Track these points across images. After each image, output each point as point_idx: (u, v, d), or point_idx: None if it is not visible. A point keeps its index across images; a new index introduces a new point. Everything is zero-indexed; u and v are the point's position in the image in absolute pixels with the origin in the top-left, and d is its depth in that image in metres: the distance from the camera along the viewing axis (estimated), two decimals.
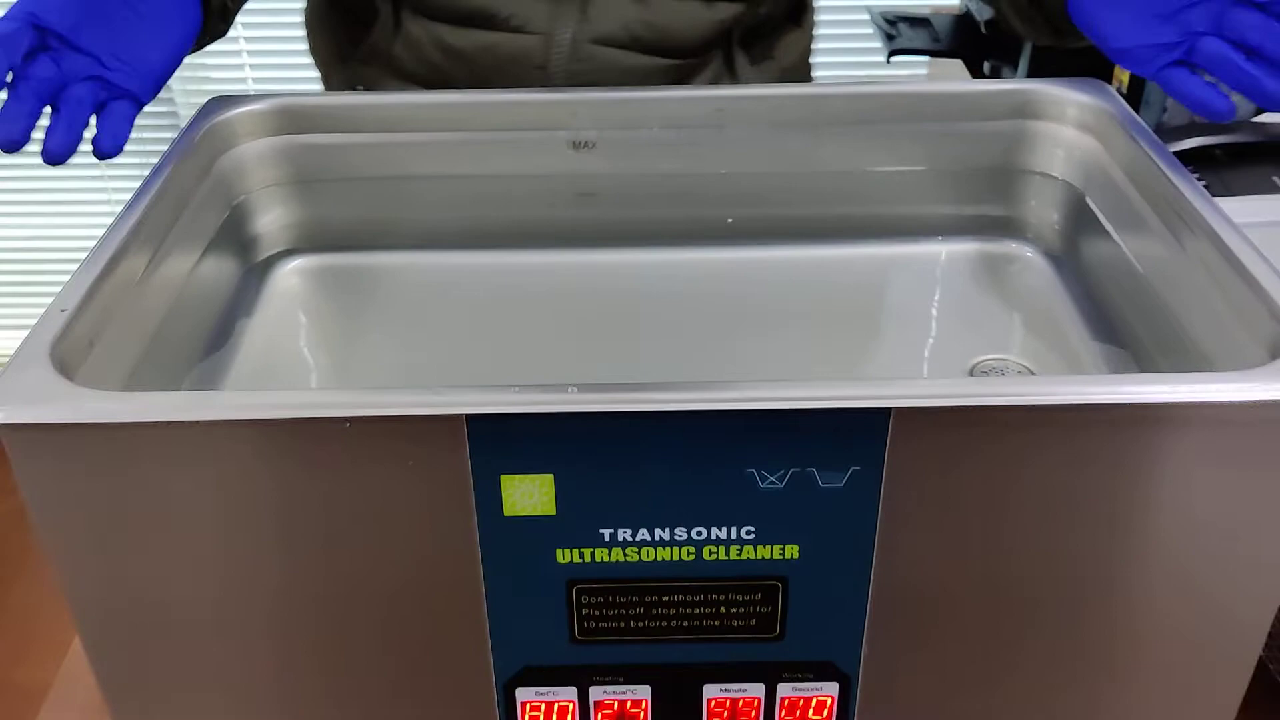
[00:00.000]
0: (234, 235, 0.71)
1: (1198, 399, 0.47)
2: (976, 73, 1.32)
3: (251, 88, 2.01)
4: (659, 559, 0.50)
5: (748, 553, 0.50)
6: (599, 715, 0.55)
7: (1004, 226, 0.75)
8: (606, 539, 0.50)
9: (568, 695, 0.54)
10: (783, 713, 0.55)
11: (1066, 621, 0.53)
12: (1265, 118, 1.08)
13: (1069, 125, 0.71)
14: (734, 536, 0.50)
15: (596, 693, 0.54)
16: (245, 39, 1.93)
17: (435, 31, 0.81)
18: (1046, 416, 0.47)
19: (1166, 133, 0.94)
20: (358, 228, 0.75)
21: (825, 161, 0.73)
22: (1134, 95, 1.05)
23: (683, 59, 0.83)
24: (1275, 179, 0.96)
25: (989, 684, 0.54)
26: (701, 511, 0.49)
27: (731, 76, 0.86)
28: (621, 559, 0.50)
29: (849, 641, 0.53)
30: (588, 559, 0.50)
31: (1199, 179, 0.82)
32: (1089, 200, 0.70)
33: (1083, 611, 0.52)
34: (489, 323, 0.71)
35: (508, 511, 0.49)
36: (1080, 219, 0.71)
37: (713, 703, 0.55)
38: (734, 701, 0.55)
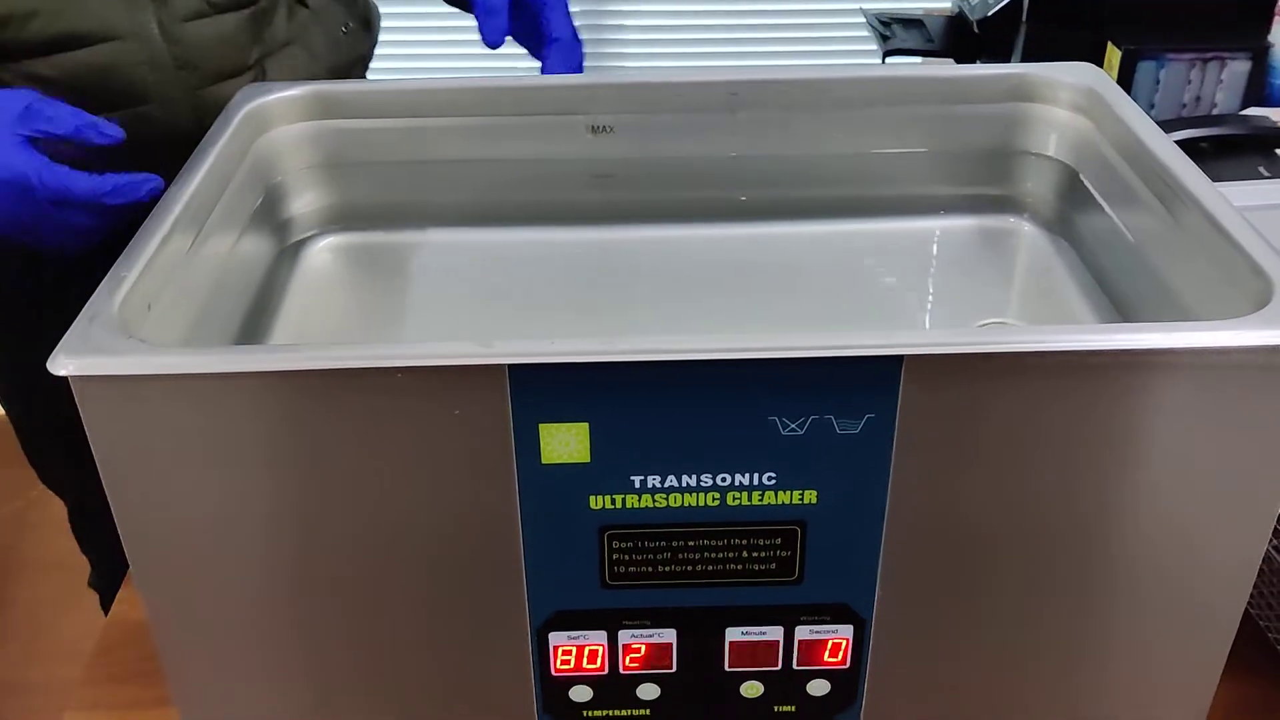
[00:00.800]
0: (270, 214, 0.73)
1: (1189, 345, 0.49)
2: None
3: None
4: (686, 504, 0.53)
5: (769, 498, 0.53)
6: (627, 658, 0.57)
7: (1003, 203, 0.76)
8: (637, 485, 0.52)
9: (598, 639, 0.57)
10: (800, 654, 0.57)
11: (1071, 562, 0.55)
12: (1250, 111, 1.11)
13: (1062, 107, 0.73)
14: (756, 482, 0.52)
15: (625, 636, 0.56)
16: None
17: (28, 69, 0.81)
18: (1048, 362, 0.49)
19: None
20: (387, 207, 0.77)
21: (832, 143, 0.75)
22: (1124, 82, 1.08)
23: (257, 4, 0.86)
24: (1260, 169, 0.99)
25: (996, 624, 0.57)
26: (726, 458, 0.52)
27: (303, 5, 0.91)
28: (651, 505, 0.52)
29: (864, 584, 0.55)
30: (619, 505, 0.52)
31: None
32: (1082, 177, 0.72)
33: (1086, 552, 0.54)
34: (512, 296, 0.73)
35: (545, 459, 0.51)
36: (1075, 194, 0.73)
37: (734, 645, 0.57)
38: (754, 644, 0.57)
